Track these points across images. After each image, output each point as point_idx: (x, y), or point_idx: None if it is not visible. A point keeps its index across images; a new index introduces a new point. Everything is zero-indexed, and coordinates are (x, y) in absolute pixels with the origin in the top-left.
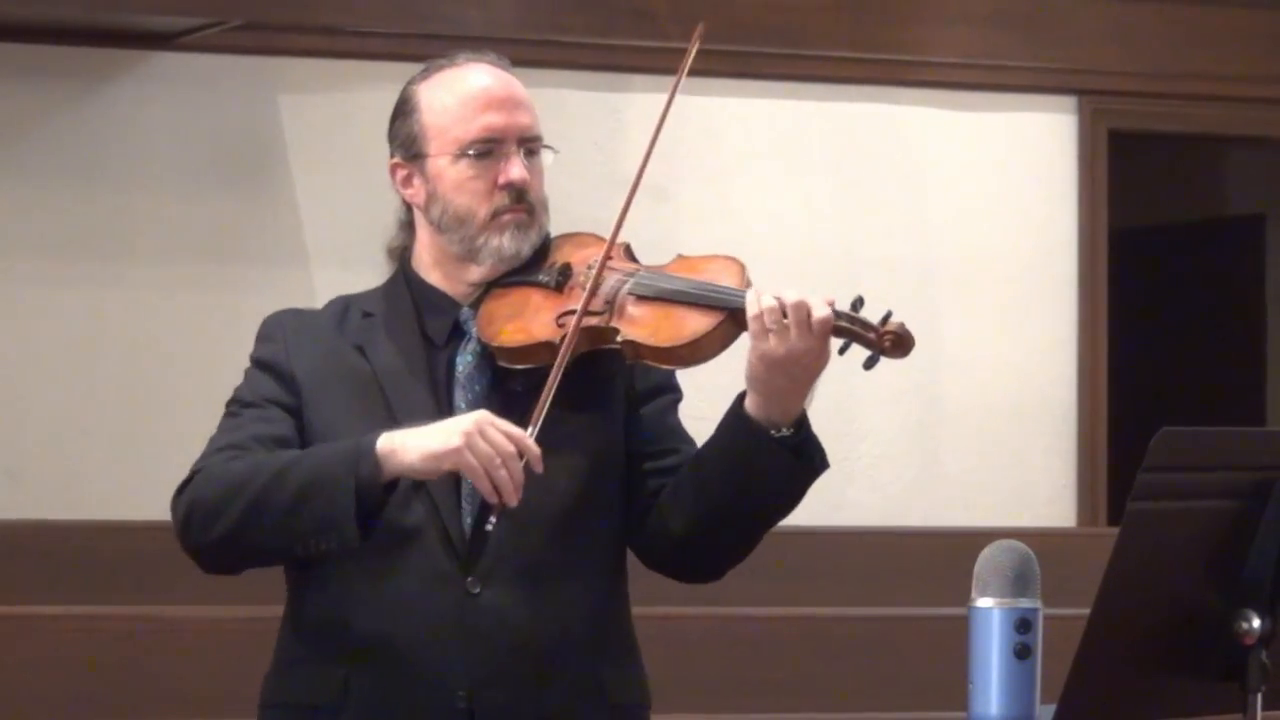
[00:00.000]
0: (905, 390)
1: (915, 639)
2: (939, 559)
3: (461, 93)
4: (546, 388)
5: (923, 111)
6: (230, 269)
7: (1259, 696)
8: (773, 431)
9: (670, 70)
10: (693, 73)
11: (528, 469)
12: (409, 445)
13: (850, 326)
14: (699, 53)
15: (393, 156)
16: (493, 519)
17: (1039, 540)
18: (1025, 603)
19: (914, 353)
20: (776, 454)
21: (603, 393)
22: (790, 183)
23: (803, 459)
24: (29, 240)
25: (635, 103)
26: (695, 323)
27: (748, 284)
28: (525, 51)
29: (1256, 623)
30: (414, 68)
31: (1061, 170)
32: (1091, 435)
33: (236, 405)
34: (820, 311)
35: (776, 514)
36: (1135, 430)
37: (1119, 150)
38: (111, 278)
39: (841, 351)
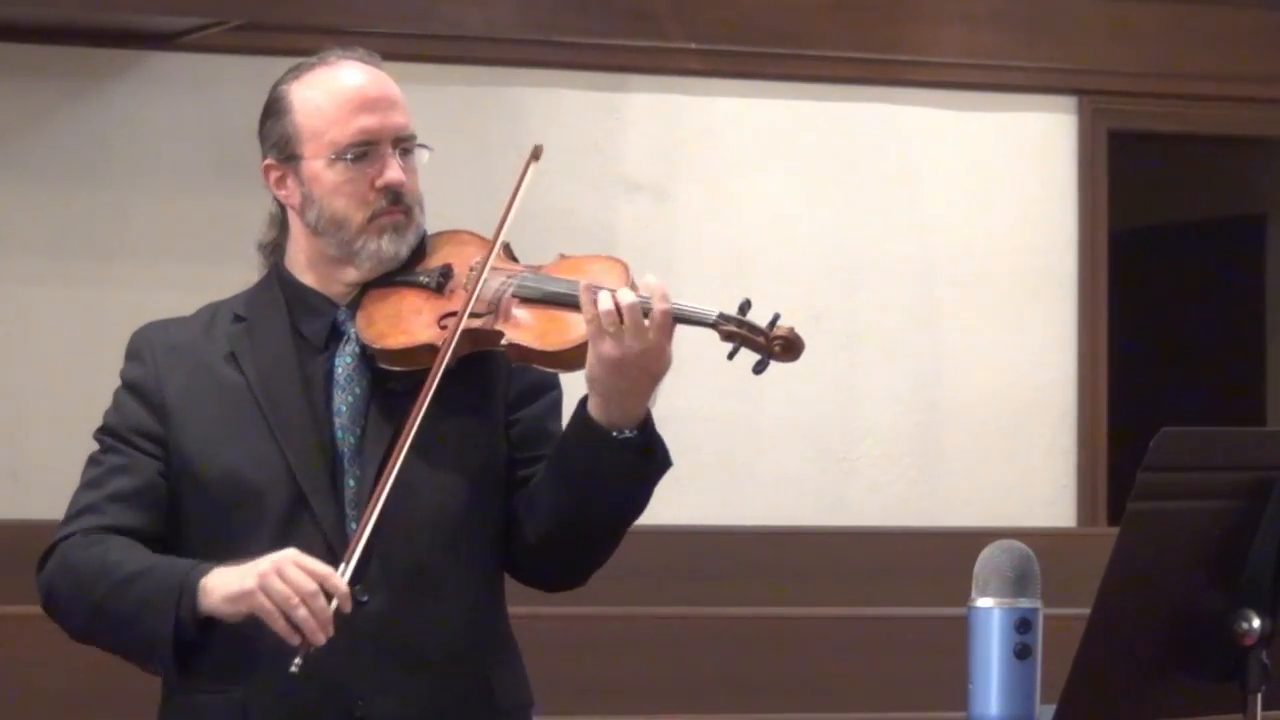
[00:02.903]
0: (905, 390)
1: (915, 639)
2: (939, 559)
3: (335, 94)
4: (423, 394)
5: (923, 111)
6: (229, 268)
7: (1259, 696)
8: (614, 433)
9: (670, 70)
10: (692, 73)
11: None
12: (214, 587)
13: (738, 330)
14: (698, 52)
15: (265, 157)
16: (297, 661)
17: (1039, 540)
18: (1025, 603)
19: (914, 353)
20: (618, 455)
21: (485, 395)
22: (790, 183)
23: (646, 459)
24: (29, 240)
25: (635, 103)
26: (582, 326)
27: (631, 284)
28: (525, 51)
29: (1256, 623)
30: (413, 67)
31: (1061, 170)
32: (1091, 435)
33: (105, 438)
34: (659, 306)
35: (625, 516)
36: (1135, 430)
37: (1119, 150)
38: (112, 277)
39: (731, 356)
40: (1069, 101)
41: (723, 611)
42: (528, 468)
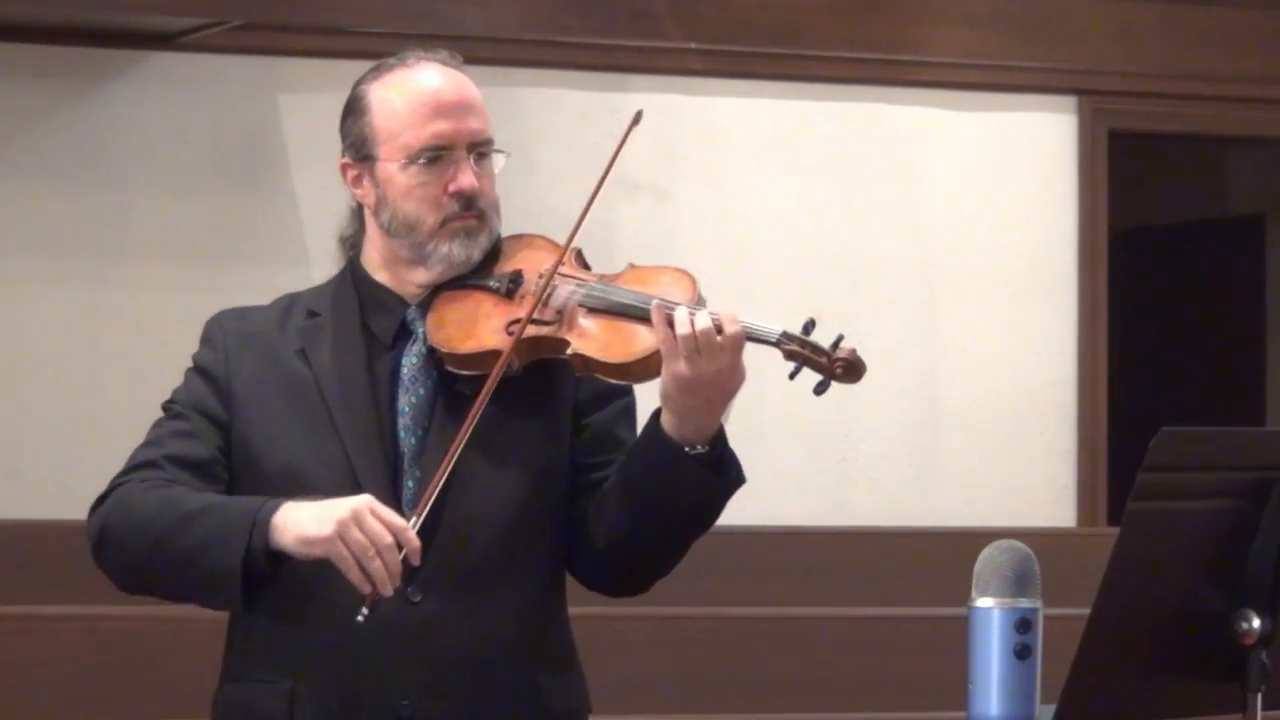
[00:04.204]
0: (905, 390)
1: (915, 639)
2: (939, 559)
3: (412, 96)
4: (480, 398)
5: (923, 111)
6: (229, 268)
7: (1259, 696)
8: (687, 449)
9: (670, 70)
10: (692, 73)
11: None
12: (288, 525)
13: (801, 350)
14: (698, 52)
15: (343, 155)
16: (365, 610)
17: (1039, 540)
18: (1025, 603)
19: (914, 353)
20: (690, 471)
21: (551, 400)
22: (790, 183)
23: (718, 475)
24: (29, 240)
25: (635, 103)
26: (646, 339)
27: (700, 297)
28: (525, 51)
29: (1256, 623)
30: None
31: (1061, 170)
32: (1091, 435)
33: (172, 407)
34: (730, 329)
35: (694, 529)
36: (1135, 430)
37: (1119, 150)
38: (111, 277)
39: (792, 376)
40: (1069, 101)
41: (722, 611)
42: (598, 472)
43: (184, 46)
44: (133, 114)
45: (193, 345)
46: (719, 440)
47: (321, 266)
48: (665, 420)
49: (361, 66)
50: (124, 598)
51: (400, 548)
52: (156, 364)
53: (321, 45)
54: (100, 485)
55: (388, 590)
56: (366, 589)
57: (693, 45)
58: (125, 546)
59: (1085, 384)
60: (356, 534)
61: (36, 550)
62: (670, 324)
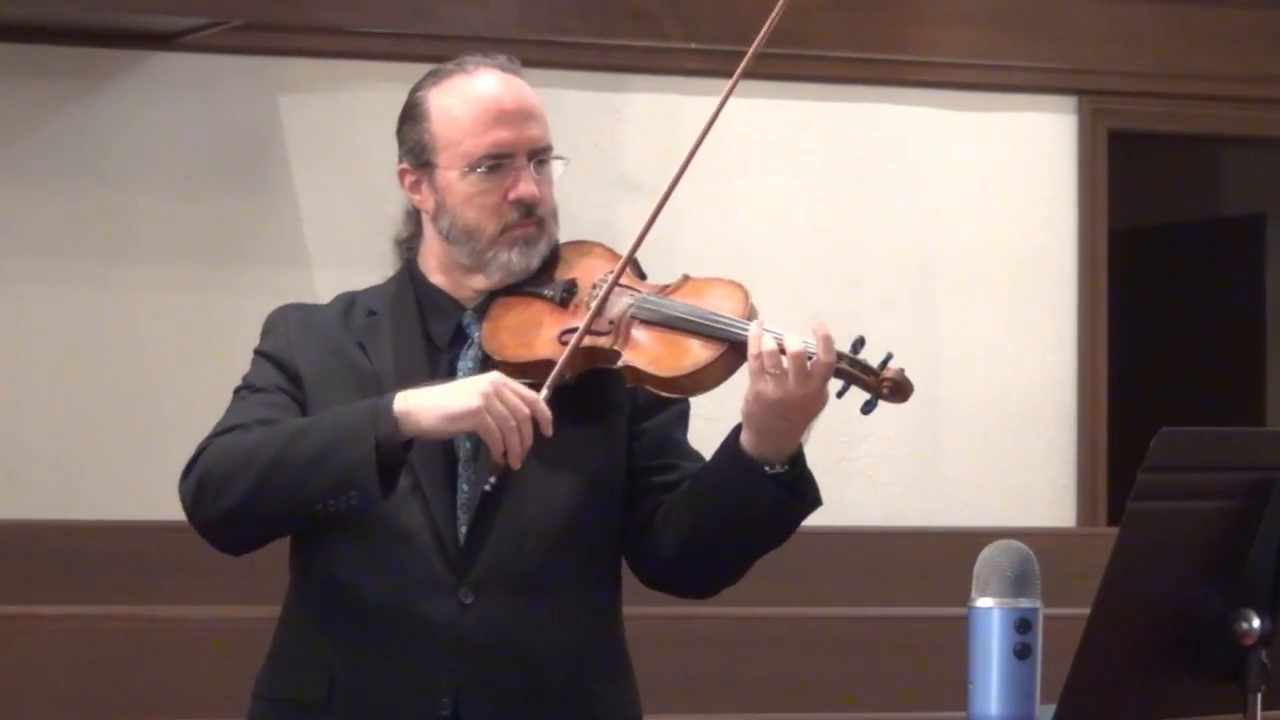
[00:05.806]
0: None
1: (915, 639)
2: (939, 559)
3: (471, 104)
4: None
5: (923, 111)
6: (230, 269)
7: (1259, 696)
8: (766, 468)
9: (670, 70)
10: (692, 73)
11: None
12: (425, 407)
13: (850, 369)
14: (698, 52)
15: (401, 161)
16: (492, 479)
17: (1039, 540)
18: (1025, 603)
19: (914, 353)
20: (769, 491)
21: (605, 405)
22: (790, 183)
23: (795, 496)
24: (29, 240)
25: (635, 103)
26: (697, 353)
27: (752, 310)
28: (525, 51)
29: (1256, 623)
30: (413, 67)
31: (1061, 170)
32: (1091, 435)
33: (245, 390)
34: (823, 357)
35: (767, 545)
36: (1135, 430)
37: (1119, 150)
38: (111, 278)
39: (840, 394)
40: (1069, 101)
41: (723, 611)
42: (658, 475)
43: (184, 46)
44: (133, 114)
45: (192, 346)
46: (797, 459)
47: (322, 267)
48: (745, 438)
49: (362, 66)
50: (124, 598)
51: (533, 419)
52: (156, 364)
53: (321, 45)
54: (100, 485)
55: (517, 463)
56: (503, 462)
57: (692, 45)
58: (233, 480)
59: (1085, 384)
60: (499, 405)
61: (36, 550)
62: (761, 342)
